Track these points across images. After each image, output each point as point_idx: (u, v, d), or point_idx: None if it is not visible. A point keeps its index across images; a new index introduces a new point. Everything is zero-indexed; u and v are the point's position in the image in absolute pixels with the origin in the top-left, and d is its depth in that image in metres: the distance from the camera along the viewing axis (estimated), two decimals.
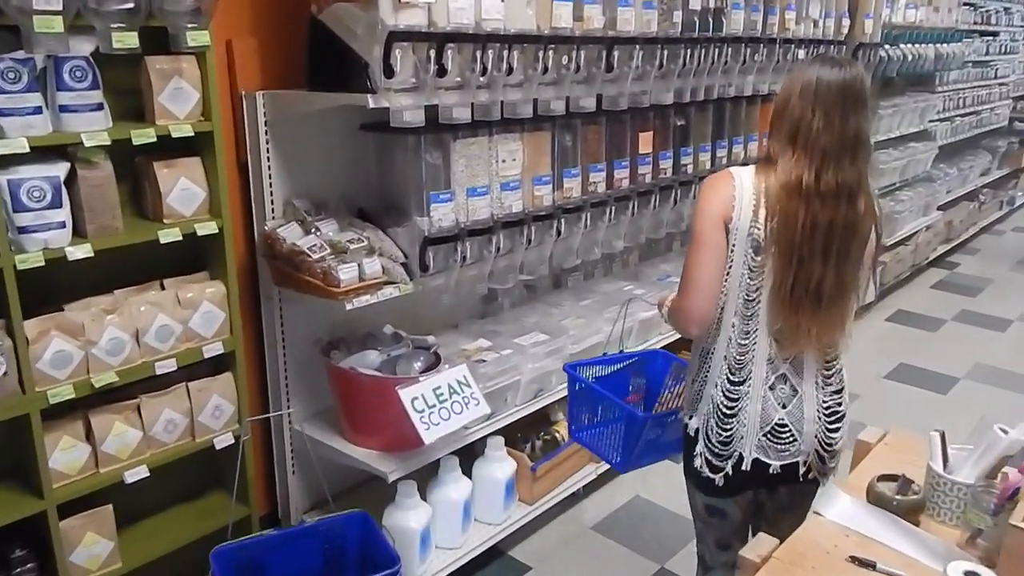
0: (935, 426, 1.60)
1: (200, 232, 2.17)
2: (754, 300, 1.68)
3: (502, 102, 2.36)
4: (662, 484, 3.19)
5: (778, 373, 1.72)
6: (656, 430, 2.03)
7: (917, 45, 4.99)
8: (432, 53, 2.07)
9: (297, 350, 2.57)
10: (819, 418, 1.75)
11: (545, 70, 2.38)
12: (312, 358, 2.56)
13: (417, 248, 2.37)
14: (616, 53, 2.60)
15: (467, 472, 2.70)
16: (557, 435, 3.00)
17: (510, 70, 2.28)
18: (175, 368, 2.19)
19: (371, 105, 2.05)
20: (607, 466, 3.14)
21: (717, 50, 3.04)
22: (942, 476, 1.48)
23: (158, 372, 2.15)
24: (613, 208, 2.94)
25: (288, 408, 2.58)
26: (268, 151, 2.40)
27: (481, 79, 2.24)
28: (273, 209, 2.45)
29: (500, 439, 2.71)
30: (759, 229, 1.65)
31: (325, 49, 2.17)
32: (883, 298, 5.53)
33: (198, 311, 2.23)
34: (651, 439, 2.01)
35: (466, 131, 2.41)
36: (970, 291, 6.06)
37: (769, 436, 1.73)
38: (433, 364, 2.48)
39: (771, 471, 1.75)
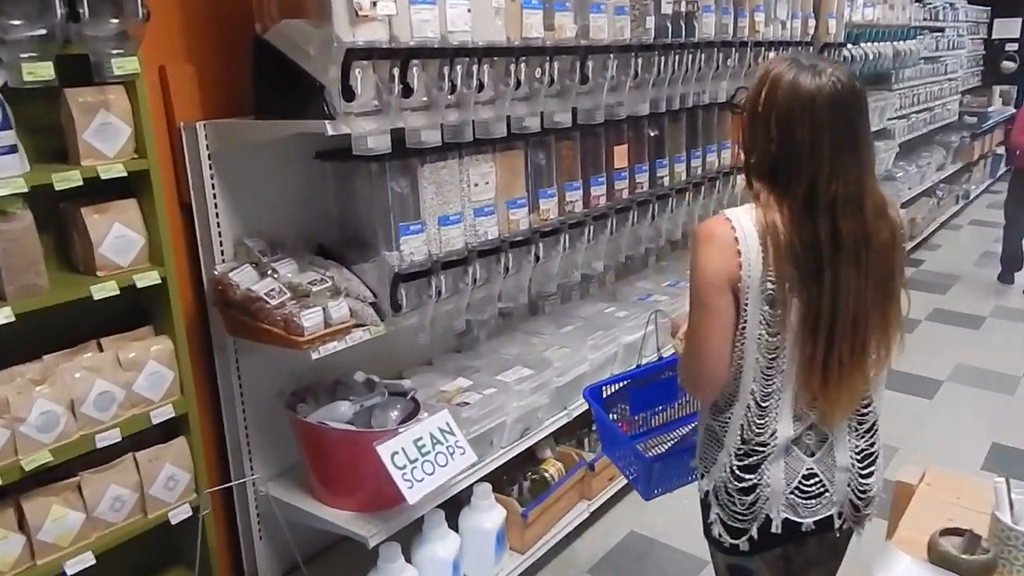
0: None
1: (140, 284, 1.91)
2: (776, 357, 1.46)
3: (473, 122, 2.15)
4: (658, 516, 3.00)
5: (806, 425, 1.50)
6: (676, 459, 1.86)
7: (876, 43, 4.93)
8: (396, 71, 1.86)
9: (258, 405, 2.32)
10: (852, 465, 1.54)
11: (518, 84, 2.18)
12: (275, 412, 2.31)
13: (387, 286, 2.14)
14: (590, 63, 2.42)
15: (453, 524, 2.47)
16: (546, 474, 2.78)
17: (481, 86, 2.08)
18: (120, 439, 1.92)
19: (330, 132, 1.83)
20: (599, 503, 2.97)
21: (691, 56, 2.88)
22: (1014, 529, 1.30)
23: (100, 445, 1.88)
24: (591, 228, 2.76)
25: (252, 471, 2.32)
26: (213, 187, 2.15)
27: (450, 97, 2.03)
28: (223, 252, 2.20)
29: (487, 487, 2.48)
30: (773, 283, 1.42)
31: (273, 72, 1.94)
32: None
33: (143, 372, 1.96)
34: (675, 466, 1.82)
35: (434, 155, 2.19)
36: (939, 288, 6.03)
37: (797, 492, 1.51)
38: (412, 412, 2.25)
39: (803, 529, 1.53)
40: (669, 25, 2.75)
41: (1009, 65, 9.24)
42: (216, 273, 2.15)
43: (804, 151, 1.39)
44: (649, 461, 1.90)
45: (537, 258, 2.56)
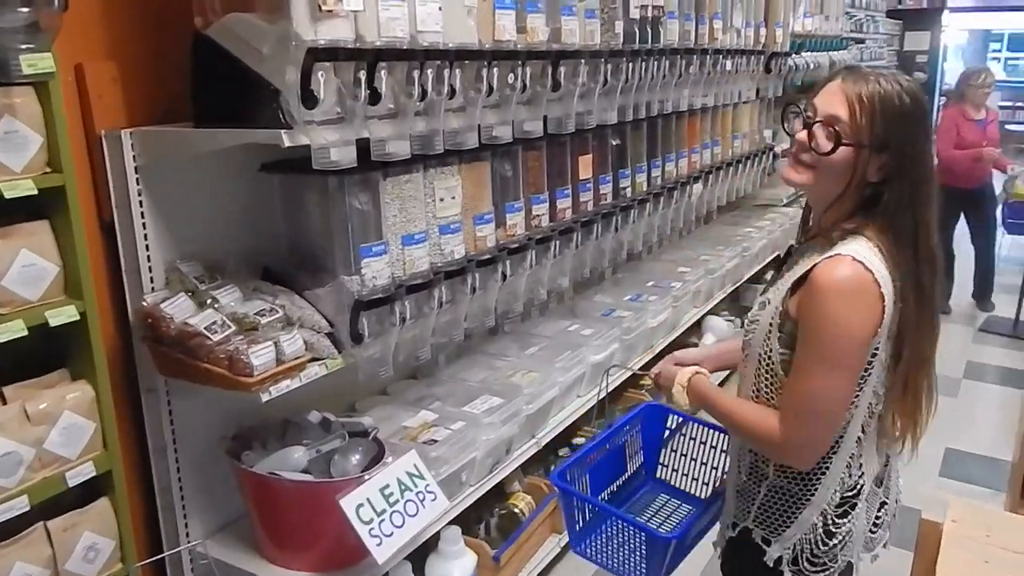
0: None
1: (54, 321, 1.61)
2: (880, 409, 1.45)
3: (443, 131, 1.92)
4: None
5: (884, 456, 1.51)
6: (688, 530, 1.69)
7: (815, 53, 4.93)
8: (362, 74, 1.62)
9: (193, 453, 2.04)
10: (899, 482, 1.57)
11: (490, 91, 1.97)
12: (213, 459, 2.03)
13: (346, 314, 1.90)
14: (562, 68, 2.23)
15: (419, 572, 2.24)
16: (516, 509, 2.58)
17: (452, 92, 1.86)
18: (27, 507, 1.61)
19: (287, 143, 1.58)
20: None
21: (656, 63, 2.73)
22: None
23: (2, 517, 1.58)
24: (558, 243, 2.57)
25: (187, 531, 2.03)
26: (141, 205, 1.86)
27: (419, 104, 1.80)
28: (152, 279, 1.91)
29: (456, 531, 2.26)
30: (896, 321, 1.40)
31: (216, 73, 1.67)
32: None
33: (56, 426, 1.66)
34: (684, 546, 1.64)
35: (397, 168, 1.96)
36: None
37: (873, 527, 1.50)
38: (376, 456, 2.00)
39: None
40: (636, 31, 2.59)
41: (920, 76, 9.57)
42: (145, 304, 1.86)
43: (922, 173, 1.36)
44: (666, 539, 1.64)
45: (504, 276, 2.35)
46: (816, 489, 1.45)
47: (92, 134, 1.83)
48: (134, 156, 1.82)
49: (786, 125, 1.52)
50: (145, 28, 1.89)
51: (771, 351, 1.45)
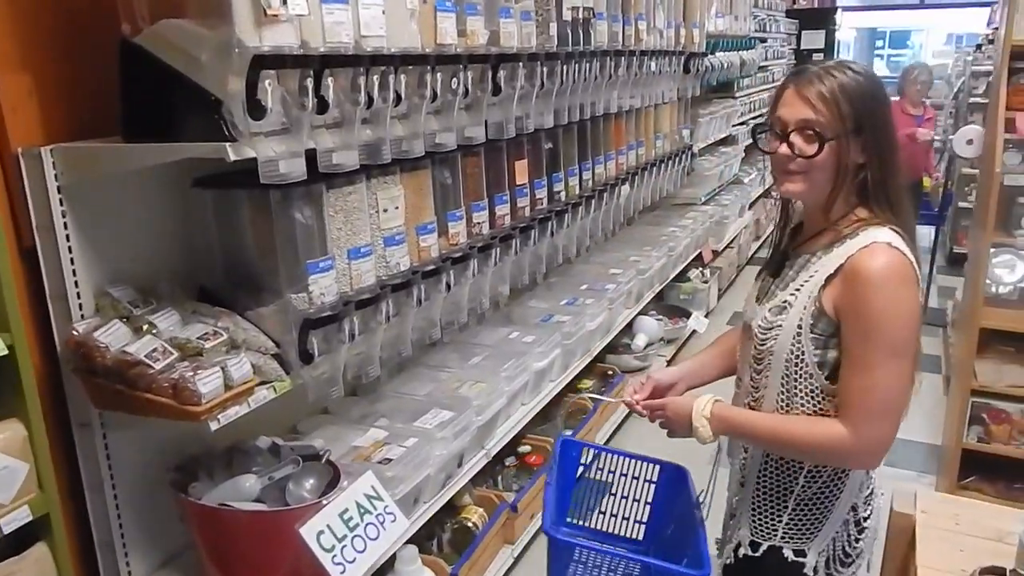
0: None
1: None
2: None
3: (388, 140, 1.86)
4: None
5: None
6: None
7: (727, 53, 5.07)
8: (309, 82, 1.55)
9: (132, 487, 1.91)
10: None
11: (434, 96, 1.93)
12: (153, 492, 1.92)
13: (294, 333, 1.82)
14: (502, 72, 2.20)
15: None
16: (468, 523, 2.53)
17: (398, 99, 1.80)
18: None
19: (232, 157, 1.49)
20: (522, 544, 2.75)
21: (588, 65, 2.74)
22: None
23: None
24: (498, 250, 2.54)
25: (128, 572, 1.91)
26: (66, 227, 1.73)
27: (365, 112, 1.74)
28: (81, 305, 1.78)
29: (413, 550, 2.19)
30: None
31: (148, 84, 1.57)
32: (719, 302, 5.56)
33: None
34: None
35: (340, 179, 1.89)
36: None
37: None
38: (332, 480, 1.93)
39: None
40: (569, 33, 2.59)
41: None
42: (76, 333, 1.73)
43: (893, 142, 1.42)
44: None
45: (448, 287, 2.31)
46: (845, 483, 1.46)
47: (7, 152, 1.69)
48: (56, 175, 1.69)
49: (761, 145, 1.53)
50: (63, 36, 1.75)
51: (803, 354, 1.43)
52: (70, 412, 1.83)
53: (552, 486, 1.73)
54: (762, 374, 1.51)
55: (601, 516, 1.88)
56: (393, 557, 2.19)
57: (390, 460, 2.11)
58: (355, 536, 1.80)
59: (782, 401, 1.48)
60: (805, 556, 1.50)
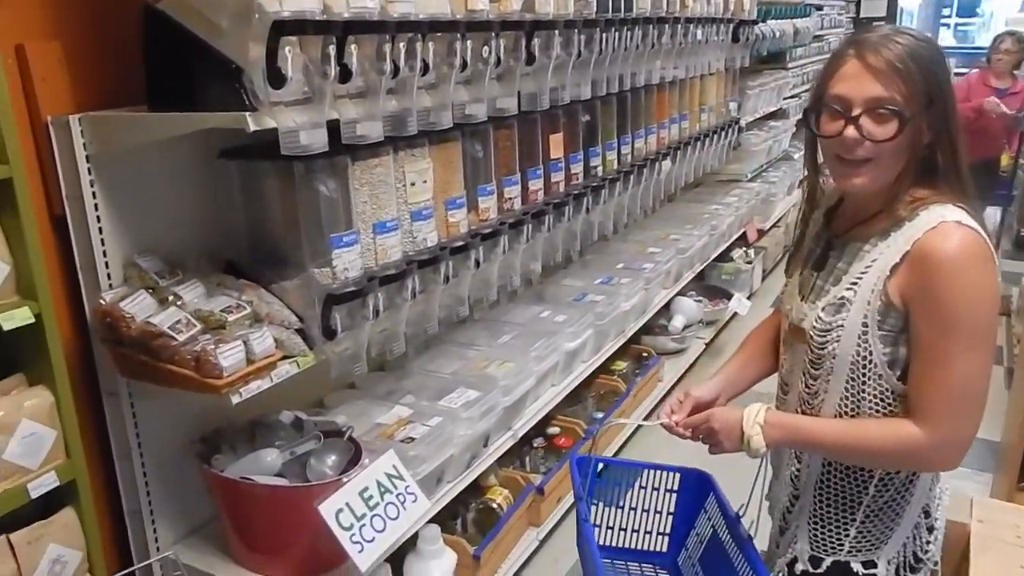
0: None
1: (7, 325, 1.49)
2: None
3: (416, 111, 1.82)
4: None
5: None
6: None
7: (780, 21, 4.89)
8: (332, 50, 1.51)
9: (160, 456, 1.92)
10: None
11: (464, 66, 1.87)
12: (181, 462, 1.93)
13: (317, 308, 1.79)
14: (536, 40, 2.13)
15: (398, 573, 2.16)
16: (493, 504, 2.50)
17: (425, 68, 1.75)
18: None
19: (252, 127, 1.46)
20: (548, 527, 2.72)
21: (629, 33, 2.65)
22: None
23: None
24: (530, 226, 2.49)
25: (156, 537, 1.92)
26: (94, 196, 1.73)
27: (391, 82, 1.69)
28: (110, 275, 1.78)
29: (435, 529, 2.18)
30: None
31: (171, 51, 1.55)
32: (763, 283, 5.42)
33: (15, 436, 1.54)
34: None
35: (366, 151, 1.85)
36: None
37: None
38: (353, 457, 1.91)
39: None
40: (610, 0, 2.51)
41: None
42: (103, 303, 1.74)
43: (957, 118, 1.29)
44: None
45: (477, 263, 2.27)
46: (916, 484, 1.37)
47: (38, 120, 1.69)
48: (84, 143, 1.68)
49: (816, 128, 1.34)
50: (93, 3, 1.74)
51: (871, 354, 1.30)
52: (100, 381, 1.84)
53: (587, 516, 1.59)
54: (820, 379, 1.38)
55: (622, 533, 1.76)
56: (415, 536, 2.18)
57: (413, 439, 2.09)
58: (374, 515, 1.79)
59: (847, 406, 1.36)
60: (875, 567, 1.40)
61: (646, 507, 1.73)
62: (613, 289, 3.26)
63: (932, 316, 1.24)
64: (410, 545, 2.20)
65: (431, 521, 2.22)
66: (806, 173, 1.50)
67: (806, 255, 1.48)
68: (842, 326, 1.32)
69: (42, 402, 1.60)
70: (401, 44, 1.67)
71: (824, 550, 1.45)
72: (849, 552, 1.42)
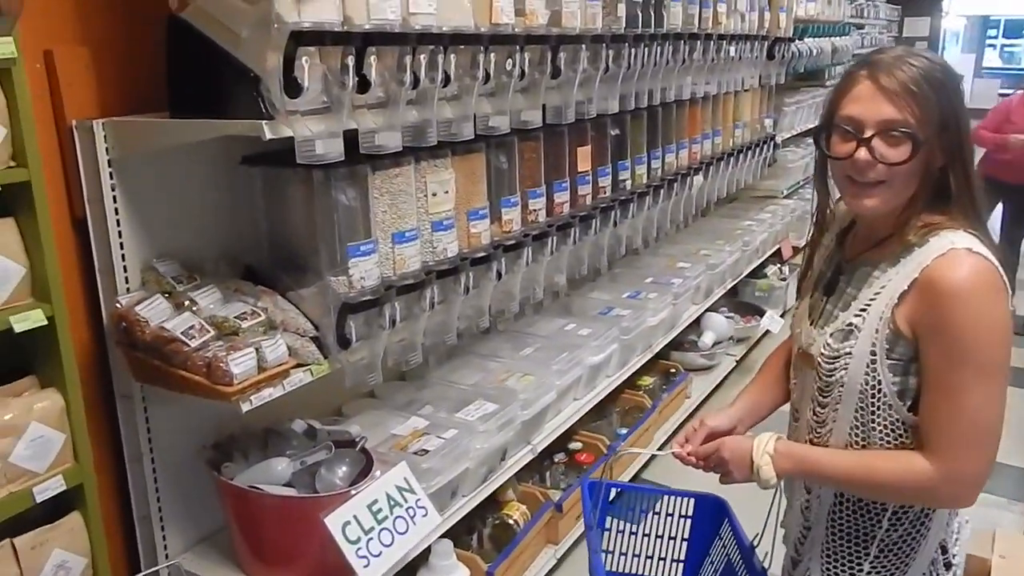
0: None
1: (19, 327, 1.50)
2: None
3: (436, 122, 1.80)
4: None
5: None
6: None
7: (817, 39, 4.82)
8: (350, 60, 1.50)
9: (171, 462, 1.92)
10: None
11: (487, 78, 1.85)
12: (193, 469, 1.92)
13: (332, 317, 1.78)
14: (562, 54, 2.11)
15: None
16: (510, 520, 2.47)
17: (447, 80, 1.74)
18: None
19: (268, 135, 1.46)
20: (566, 546, 2.68)
21: (659, 48, 2.61)
22: None
23: None
24: (554, 239, 2.46)
25: (165, 544, 1.92)
26: (115, 200, 1.74)
27: (410, 93, 1.68)
28: (127, 279, 1.79)
29: (448, 544, 2.15)
30: None
31: (192, 59, 1.55)
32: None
33: (23, 438, 1.55)
34: None
35: (387, 161, 1.84)
36: None
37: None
38: (363, 468, 1.90)
39: None
40: (639, 14, 2.47)
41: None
42: (119, 306, 1.74)
43: (969, 144, 1.27)
44: None
45: (499, 275, 2.24)
46: (933, 519, 1.32)
47: (63, 124, 1.71)
48: (107, 148, 1.69)
49: (828, 149, 1.31)
50: (120, 11, 1.76)
51: (879, 384, 1.26)
52: (114, 384, 1.85)
53: (598, 548, 1.58)
54: (828, 407, 1.34)
55: (636, 559, 1.74)
56: (428, 550, 2.16)
57: (427, 451, 2.07)
58: (383, 529, 1.76)
59: (856, 436, 1.32)
60: None
61: (660, 533, 1.71)
62: (640, 303, 3.22)
63: (941, 346, 1.20)
64: (422, 560, 2.17)
65: (445, 536, 2.19)
66: (816, 194, 1.46)
67: (817, 278, 1.46)
68: (850, 353, 1.29)
69: (52, 405, 1.60)
70: (422, 56, 1.65)
71: None
72: None
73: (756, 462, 1.35)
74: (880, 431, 1.29)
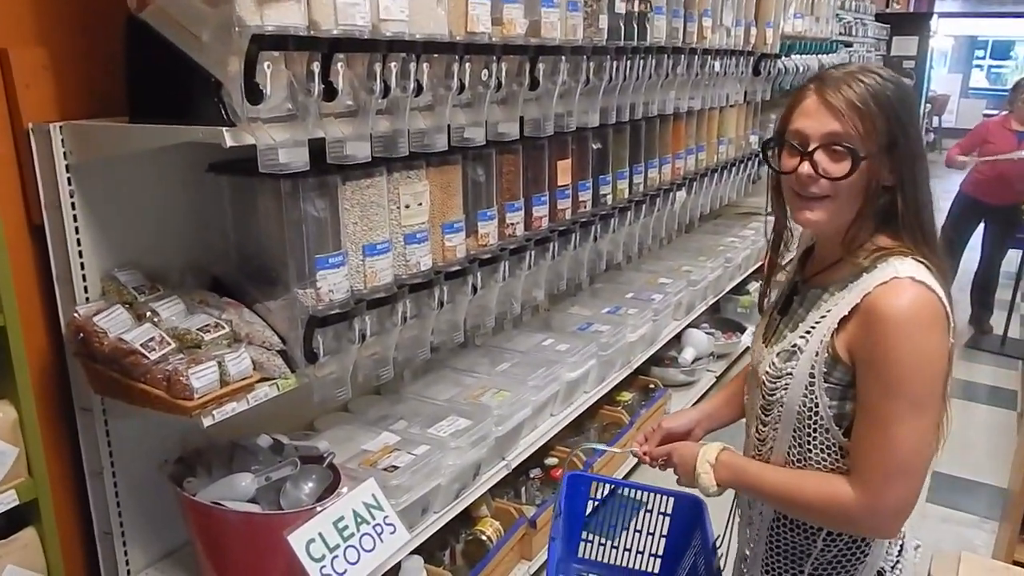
0: None
1: None
2: None
3: (408, 132, 1.76)
4: None
5: None
6: None
7: (804, 56, 4.81)
8: (316, 67, 1.46)
9: (133, 476, 1.87)
10: None
11: (462, 88, 1.82)
12: (156, 483, 1.86)
13: (300, 330, 1.74)
14: (541, 65, 2.08)
15: None
16: (483, 536, 2.42)
17: (419, 89, 1.70)
18: None
19: (229, 143, 1.41)
20: (540, 562, 2.63)
21: (642, 62, 2.59)
22: None
23: None
24: (532, 253, 2.42)
25: (127, 563, 1.86)
26: (73, 207, 1.69)
27: (381, 102, 1.64)
28: (87, 288, 1.74)
29: (418, 561, 2.10)
30: None
31: (153, 62, 1.51)
32: None
33: None
34: None
35: (358, 171, 1.80)
36: None
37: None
38: (331, 484, 1.84)
39: None
40: (622, 26, 2.45)
41: (907, 83, 9.49)
42: (77, 316, 1.69)
43: (923, 164, 1.24)
44: None
45: (475, 289, 2.20)
46: (871, 545, 1.31)
47: (19, 127, 1.66)
48: (65, 152, 1.64)
49: (773, 162, 1.32)
50: (79, 11, 1.71)
51: (817, 406, 1.26)
52: (73, 396, 1.80)
53: (558, 534, 1.63)
54: (769, 426, 1.34)
55: (615, 551, 1.79)
56: (398, 567, 2.11)
57: (397, 467, 2.02)
58: (348, 547, 1.71)
59: (794, 457, 1.32)
60: None
61: (639, 528, 1.79)
62: (620, 319, 3.18)
63: (875, 375, 1.19)
64: None
65: (417, 552, 2.14)
66: (770, 212, 1.43)
67: (777, 297, 1.45)
68: (791, 374, 1.28)
69: (4, 417, 1.55)
70: (393, 64, 1.62)
71: None
72: None
73: (698, 469, 1.39)
74: (817, 453, 1.29)
